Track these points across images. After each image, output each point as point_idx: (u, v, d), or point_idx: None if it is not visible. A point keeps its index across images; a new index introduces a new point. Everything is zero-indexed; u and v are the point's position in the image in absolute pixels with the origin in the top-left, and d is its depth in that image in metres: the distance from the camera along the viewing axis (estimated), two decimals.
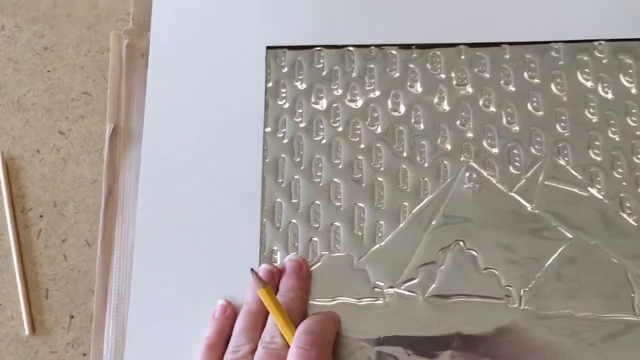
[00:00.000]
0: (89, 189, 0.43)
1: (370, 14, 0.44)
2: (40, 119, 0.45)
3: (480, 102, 0.42)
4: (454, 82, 0.42)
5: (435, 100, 0.42)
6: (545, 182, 0.40)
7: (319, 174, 0.41)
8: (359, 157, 0.42)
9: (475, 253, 0.39)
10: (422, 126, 0.42)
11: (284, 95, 0.43)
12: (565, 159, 0.40)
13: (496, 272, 0.39)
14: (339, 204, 0.41)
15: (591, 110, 0.41)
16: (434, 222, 0.40)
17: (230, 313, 0.38)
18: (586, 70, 0.42)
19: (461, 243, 0.39)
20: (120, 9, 0.47)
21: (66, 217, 0.43)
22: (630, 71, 0.42)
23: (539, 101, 0.42)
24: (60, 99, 0.45)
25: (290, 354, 0.35)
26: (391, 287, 0.39)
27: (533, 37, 0.42)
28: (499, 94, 0.42)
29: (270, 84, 0.43)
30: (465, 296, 0.38)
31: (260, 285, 0.37)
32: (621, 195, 0.39)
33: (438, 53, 0.43)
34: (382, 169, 0.41)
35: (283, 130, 0.42)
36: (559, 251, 0.39)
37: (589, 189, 0.40)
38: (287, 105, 0.43)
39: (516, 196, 0.40)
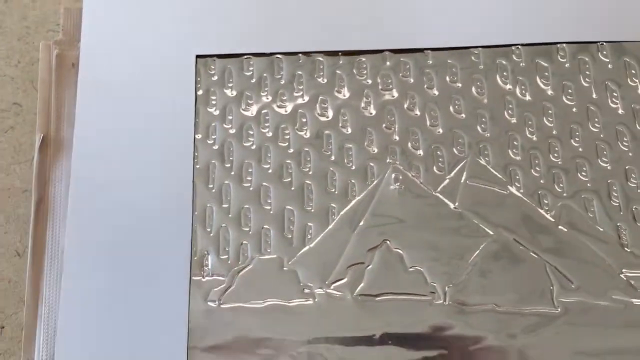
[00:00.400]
0: (19, 199, 0.43)
1: (298, 22, 0.45)
2: None
3: (405, 106, 0.43)
4: (380, 87, 0.44)
5: (362, 105, 0.43)
6: (468, 182, 0.42)
7: (249, 178, 0.42)
8: (288, 162, 0.42)
9: (401, 252, 0.40)
10: (349, 130, 0.43)
11: (214, 102, 0.44)
12: (486, 158, 0.42)
13: (422, 270, 0.40)
14: (269, 207, 0.42)
15: (510, 111, 0.43)
16: (361, 223, 0.41)
17: None
18: (505, 73, 0.44)
19: (388, 242, 0.40)
20: (51, 20, 0.47)
21: None
22: (547, 74, 0.43)
23: (461, 104, 0.43)
24: None
25: None
26: (320, 287, 0.40)
27: (454, 42, 0.44)
28: (422, 98, 0.43)
29: (200, 92, 0.44)
30: (393, 294, 0.40)
31: None
32: (539, 192, 0.41)
33: (364, 59, 0.44)
34: (310, 172, 0.42)
35: (213, 137, 0.43)
36: (481, 248, 0.40)
37: (509, 187, 0.41)
38: (217, 112, 0.44)
39: (440, 196, 0.41)
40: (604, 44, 0.44)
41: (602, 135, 0.42)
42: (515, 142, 0.42)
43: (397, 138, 0.43)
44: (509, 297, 0.39)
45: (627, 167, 0.41)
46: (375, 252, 0.40)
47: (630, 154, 0.41)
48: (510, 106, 0.43)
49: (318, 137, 0.43)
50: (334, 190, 0.42)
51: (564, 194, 0.41)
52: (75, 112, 0.43)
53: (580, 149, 0.42)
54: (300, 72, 0.44)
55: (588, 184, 0.41)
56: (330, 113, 0.43)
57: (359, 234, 0.41)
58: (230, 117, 0.44)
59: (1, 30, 0.47)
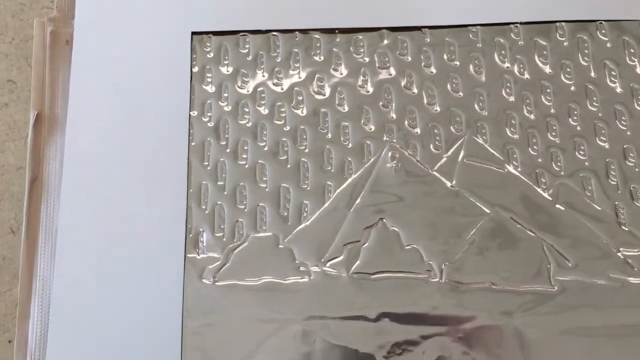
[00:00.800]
0: (14, 177, 0.43)
1: None
2: None
3: (402, 84, 0.43)
4: (377, 65, 0.43)
5: (359, 83, 0.43)
6: (465, 160, 0.41)
7: (245, 156, 0.42)
8: (284, 139, 0.42)
9: (398, 230, 0.40)
10: (345, 108, 0.43)
11: (209, 79, 0.43)
12: (484, 137, 0.42)
13: (418, 248, 0.40)
14: (265, 185, 0.41)
15: (508, 90, 0.42)
16: (358, 201, 0.41)
17: None
18: (503, 52, 0.43)
19: (384, 221, 0.40)
20: None
21: None
22: (545, 52, 0.43)
23: (459, 82, 0.43)
24: None
25: None
26: (316, 265, 0.40)
27: (452, 20, 0.44)
28: (420, 76, 0.43)
29: (195, 69, 0.43)
30: (389, 272, 0.39)
31: None
32: (537, 171, 0.41)
33: (361, 37, 0.44)
34: (306, 150, 0.42)
35: (209, 114, 0.43)
36: (477, 226, 0.40)
37: (507, 165, 0.41)
38: (212, 89, 0.43)
39: (437, 174, 0.41)
40: (603, 22, 0.43)
41: (600, 114, 0.42)
42: (513, 121, 0.42)
43: (394, 116, 0.42)
44: (505, 276, 0.39)
45: (625, 146, 0.41)
46: (372, 230, 0.40)
47: (628, 133, 0.41)
48: (509, 84, 0.43)
49: (314, 115, 0.42)
50: (330, 168, 0.41)
51: (562, 173, 0.41)
52: (69, 89, 0.43)
53: (578, 128, 0.42)
54: (296, 50, 0.44)
55: (586, 163, 0.41)
56: (327, 91, 0.43)
57: (355, 212, 0.40)
58: (225, 95, 0.43)
59: None
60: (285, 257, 0.40)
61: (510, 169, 0.41)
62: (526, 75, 0.43)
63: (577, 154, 0.41)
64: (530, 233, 0.40)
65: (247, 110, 0.43)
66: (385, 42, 0.44)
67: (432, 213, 0.40)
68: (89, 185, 0.41)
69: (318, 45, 0.44)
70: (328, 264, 0.40)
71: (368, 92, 0.43)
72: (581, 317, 0.38)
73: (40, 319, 0.39)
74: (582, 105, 0.42)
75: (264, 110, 0.43)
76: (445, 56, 0.43)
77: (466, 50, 0.43)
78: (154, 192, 0.41)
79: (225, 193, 0.41)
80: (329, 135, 0.42)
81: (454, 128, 0.42)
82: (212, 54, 0.44)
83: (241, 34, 0.44)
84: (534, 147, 0.41)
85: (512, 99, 0.42)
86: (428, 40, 0.44)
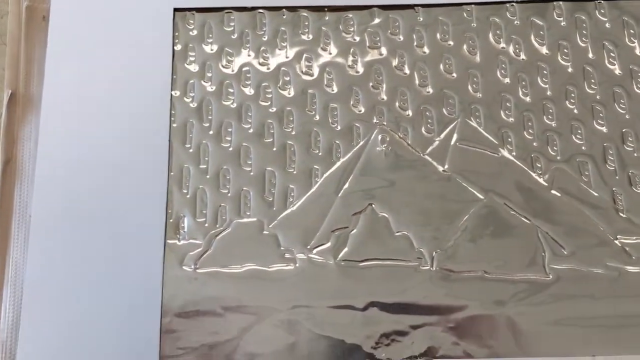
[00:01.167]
0: None
1: None
2: None
3: (394, 65, 0.41)
4: (367, 45, 0.42)
5: (348, 63, 0.41)
6: (458, 144, 0.40)
7: (229, 138, 0.40)
8: (270, 121, 0.40)
9: (387, 216, 0.38)
10: (334, 89, 0.41)
11: (192, 58, 0.42)
12: (478, 120, 0.40)
13: (408, 234, 0.38)
14: (249, 169, 0.40)
15: (503, 71, 0.41)
16: (346, 186, 0.39)
17: None
18: (498, 31, 0.42)
19: (373, 206, 0.39)
20: None
21: None
22: (542, 32, 0.41)
23: (452, 63, 0.41)
24: None
25: None
26: (302, 252, 0.38)
27: None
28: (412, 57, 0.41)
29: (178, 47, 0.42)
30: (378, 260, 0.38)
31: None
32: (532, 155, 0.39)
33: (351, 15, 0.42)
34: (293, 132, 0.40)
35: (191, 95, 0.41)
36: (470, 212, 0.38)
37: (501, 150, 0.40)
38: (195, 68, 0.41)
39: (428, 158, 0.40)
40: (602, 2, 0.42)
41: (598, 97, 0.40)
42: (508, 104, 0.40)
43: (385, 98, 0.41)
44: (498, 264, 0.37)
45: (623, 130, 0.40)
46: (360, 216, 0.39)
47: (627, 116, 0.40)
48: (504, 66, 0.41)
49: (302, 96, 0.41)
50: (317, 151, 0.40)
51: (558, 158, 0.39)
52: (45, 67, 0.41)
53: (575, 111, 0.40)
54: (283, 28, 0.42)
55: (583, 147, 0.39)
56: (315, 71, 0.41)
57: (344, 197, 0.39)
58: (209, 74, 0.41)
59: None
60: (270, 243, 0.38)
61: (505, 153, 0.39)
62: (522, 56, 0.41)
63: (573, 138, 0.40)
64: (525, 220, 0.38)
65: (231, 90, 0.41)
66: (376, 20, 0.42)
67: (424, 199, 0.39)
68: (65, 168, 0.39)
69: (306, 23, 0.42)
70: (314, 251, 0.38)
71: (358, 72, 0.41)
72: (577, 307, 0.37)
73: (13, 305, 0.37)
74: (580, 87, 0.40)
75: (249, 91, 0.41)
76: (438, 36, 0.42)
77: (460, 30, 0.42)
78: (133, 175, 0.39)
79: (208, 177, 0.39)
80: (317, 117, 0.40)
81: (447, 110, 0.40)
82: (195, 32, 0.42)
83: (226, 10, 0.42)
84: (530, 130, 0.40)
85: (507, 80, 0.41)
86: (421, 19, 0.42)
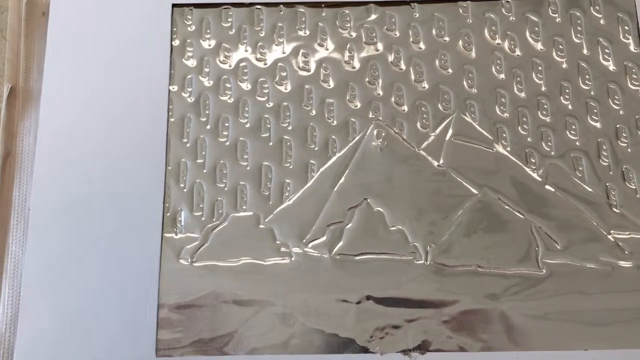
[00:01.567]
0: None
1: None
2: None
3: (390, 60, 0.41)
4: (364, 41, 0.42)
5: (345, 58, 0.42)
6: (453, 139, 0.40)
7: (225, 133, 0.40)
8: (267, 116, 0.41)
9: (382, 211, 0.39)
10: (331, 84, 0.41)
11: (190, 54, 0.42)
12: (473, 115, 0.40)
13: (403, 229, 0.38)
14: (246, 163, 0.40)
15: (498, 67, 0.41)
16: (342, 180, 0.39)
17: None
18: (493, 27, 0.42)
19: (369, 201, 0.39)
20: None
21: None
22: (537, 28, 0.42)
23: (448, 59, 0.41)
24: None
25: None
26: (297, 246, 0.38)
27: None
28: (407, 52, 0.42)
29: (176, 43, 0.42)
30: (373, 254, 0.38)
31: None
32: (526, 150, 0.40)
33: (347, 11, 0.42)
34: (290, 127, 0.40)
35: (189, 89, 0.41)
36: (465, 207, 0.39)
37: (496, 145, 0.40)
38: (193, 64, 0.42)
39: (423, 153, 0.40)
40: None
41: (592, 93, 0.40)
42: (503, 99, 0.41)
43: (381, 93, 0.41)
44: (492, 258, 0.38)
45: (617, 126, 0.40)
46: (356, 211, 0.39)
47: (621, 112, 0.40)
48: (499, 62, 0.41)
49: (298, 91, 0.41)
50: (313, 146, 0.40)
51: (552, 153, 0.39)
52: (45, 62, 0.41)
53: (569, 107, 0.40)
54: (280, 24, 0.42)
55: (577, 143, 0.40)
56: (312, 66, 0.42)
57: (339, 192, 0.39)
58: (207, 69, 0.42)
59: None
60: (266, 237, 0.39)
61: (500, 148, 0.40)
62: (517, 52, 0.41)
63: (568, 133, 0.40)
64: (519, 215, 0.38)
65: (228, 85, 0.41)
66: (373, 16, 0.42)
67: (418, 193, 0.39)
68: (63, 162, 0.39)
69: (303, 19, 0.42)
70: (310, 245, 0.38)
71: (354, 68, 0.41)
72: (570, 301, 0.37)
73: (12, 300, 0.38)
74: (574, 83, 0.41)
75: (246, 86, 0.41)
76: (434, 32, 0.42)
77: (456, 26, 0.42)
78: (131, 170, 0.39)
79: (205, 171, 0.40)
80: (313, 112, 0.41)
81: (442, 106, 0.41)
82: (193, 27, 0.42)
83: (224, 6, 0.43)
84: (524, 126, 0.40)
85: (502, 76, 0.41)
86: (417, 15, 0.42)
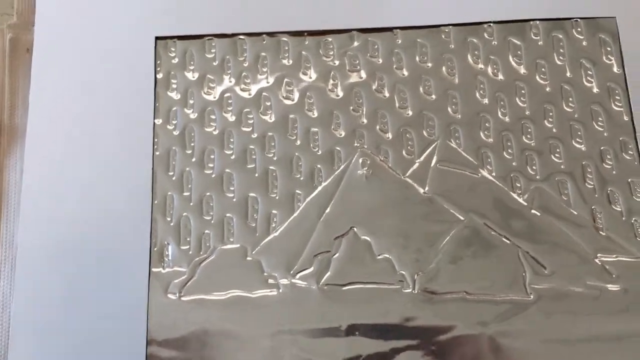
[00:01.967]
0: None
1: (262, 1, 0.43)
2: None
3: (373, 88, 0.42)
4: (347, 68, 0.42)
5: (328, 87, 0.42)
6: (438, 166, 0.40)
7: (211, 165, 0.41)
8: (252, 147, 0.41)
9: (369, 239, 0.39)
10: (315, 113, 0.41)
11: (174, 86, 0.42)
12: (457, 141, 0.40)
13: (390, 257, 0.38)
14: (232, 195, 0.40)
15: (481, 92, 0.41)
16: (328, 210, 0.39)
17: None
18: (476, 52, 0.42)
19: (355, 230, 0.39)
20: (5, 3, 0.45)
21: None
22: (519, 52, 0.42)
23: (431, 85, 0.41)
24: None
25: None
26: (285, 277, 0.38)
27: (424, 21, 0.42)
28: (391, 79, 0.42)
29: (160, 75, 0.42)
30: (360, 283, 0.38)
31: None
32: (512, 175, 0.40)
33: (330, 39, 0.43)
34: (275, 158, 0.40)
35: (174, 122, 0.41)
36: (451, 234, 0.39)
37: (481, 170, 0.40)
38: (178, 96, 0.42)
39: (409, 180, 0.40)
40: (579, 20, 0.42)
41: (576, 115, 0.40)
42: (487, 124, 0.41)
43: (365, 121, 0.41)
44: (480, 285, 0.38)
45: (602, 148, 0.40)
46: (342, 240, 0.39)
47: (605, 134, 0.40)
48: (482, 86, 0.41)
49: (283, 121, 0.41)
50: (299, 176, 0.40)
51: (537, 177, 0.39)
52: (29, 98, 0.42)
53: (554, 130, 0.40)
54: (264, 54, 0.42)
55: (562, 166, 0.40)
56: (296, 96, 0.42)
57: (325, 222, 0.39)
58: (191, 101, 0.42)
59: None
60: (254, 269, 0.39)
61: (485, 173, 0.40)
62: (500, 76, 0.41)
63: (552, 157, 0.40)
64: (506, 240, 0.38)
65: (213, 117, 0.41)
66: (356, 43, 0.42)
67: (405, 221, 0.39)
68: (50, 198, 0.40)
69: (286, 48, 0.43)
70: (298, 276, 0.38)
71: (338, 96, 0.42)
72: (559, 326, 0.37)
73: (0, 336, 0.38)
74: (558, 106, 0.41)
75: (231, 117, 0.41)
76: (417, 58, 0.42)
77: (438, 52, 0.42)
78: (117, 204, 0.39)
79: (192, 204, 0.40)
80: (298, 142, 0.41)
81: (427, 132, 0.41)
82: (177, 60, 0.42)
83: (207, 37, 0.43)
84: (509, 150, 0.40)
85: (486, 101, 0.41)
86: (399, 41, 0.42)
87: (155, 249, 0.39)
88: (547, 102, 0.41)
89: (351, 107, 0.41)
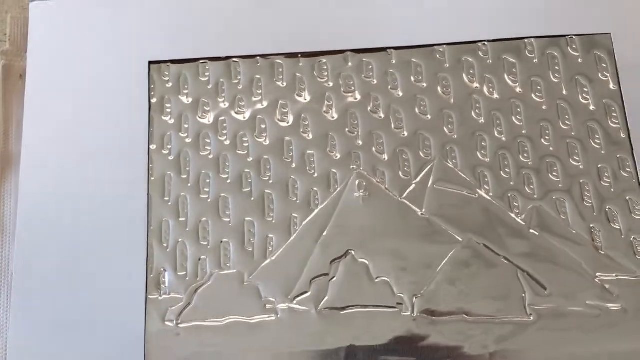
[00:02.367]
0: None
1: (255, 23, 0.43)
2: None
3: (369, 109, 0.41)
4: (342, 90, 0.42)
5: (324, 108, 0.42)
6: (435, 186, 0.40)
7: (207, 190, 0.40)
8: (247, 171, 0.40)
9: (367, 262, 0.38)
10: (310, 136, 0.41)
11: (168, 110, 0.42)
12: (454, 161, 0.40)
13: (388, 280, 0.38)
14: (228, 219, 0.40)
15: (477, 111, 0.41)
16: (325, 233, 0.39)
17: None
18: (471, 71, 0.42)
19: (353, 253, 0.39)
20: None
21: None
22: (514, 70, 0.42)
23: (427, 105, 0.41)
24: None
25: None
26: (283, 302, 0.38)
27: (418, 40, 0.42)
28: (386, 100, 0.41)
29: (154, 100, 0.42)
30: (359, 307, 0.38)
31: None
32: (509, 195, 0.39)
33: (324, 61, 0.42)
34: (271, 181, 0.40)
35: (169, 147, 0.41)
36: (449, 255, 0.38)
37: (478, 190, 0.40)
38: (172, 120, 0.42)
39: (406, 202, 0.40)
40: (574, 37, 0.42)
41: (573, 133, 0.40)
42: (483, 143, 0.40)
43: (361, 142, 0.41)
44: (479, 306, 0.37)
45: (599, 166, 0.40)
46: (340, 263, 0.39)
47: (602, 152, 0.40)
48: (478, 105, 0.41)
49: (278, 144, 0.41)
50: (295, 199, 0.40)
51: (535, 196, 0.39)
52: (23, 124, 0.41)
53: (550, 148, 0.40)
54: (258, 76, 0.42)
55: (560, 185, 0.39)
56: (291, 118, 0.42)
57: (323, 245, 0.39)
58: (186, 126, 0.42)
59: None
60: (251, 294, 0.38)
61: (482, 193, 0.40)
62: (496, 95, 0.41)
63: (550, 175, 0.40)
64: (504, 260, 0.38)
65: (208, 141, 0.41)
66: (350, 64, 0.42)
67: (402, 243, 0.39)
68: (45, 225, 0.39)
69: (280, 70, 0.42)
70: (295, 301, 0.38)
71: (333, 117, 0.41)
72: (559, 346, 0.36)
73: None
74: (554, 124, 0.40)
75: (226, 141, 0.41)
76: (412, 78, 0.42)
77: (433, 71, 0.42)
78: (112, 231, 0.39)
79: (188, 229, 0.40)
80: (294, 165, 0.40)
81: (423, 153, 0.40)
82: (170, 84, 0.42)
83: (201, 61, 0.43)
84: (506, 169, 0.40)
85: (482, 120, 0.41)
86: (394, 61, 0.42)
87: (152, 275, 0.39)
88: (543, 120, 0.41)
89: (347, 129, 0.41)
